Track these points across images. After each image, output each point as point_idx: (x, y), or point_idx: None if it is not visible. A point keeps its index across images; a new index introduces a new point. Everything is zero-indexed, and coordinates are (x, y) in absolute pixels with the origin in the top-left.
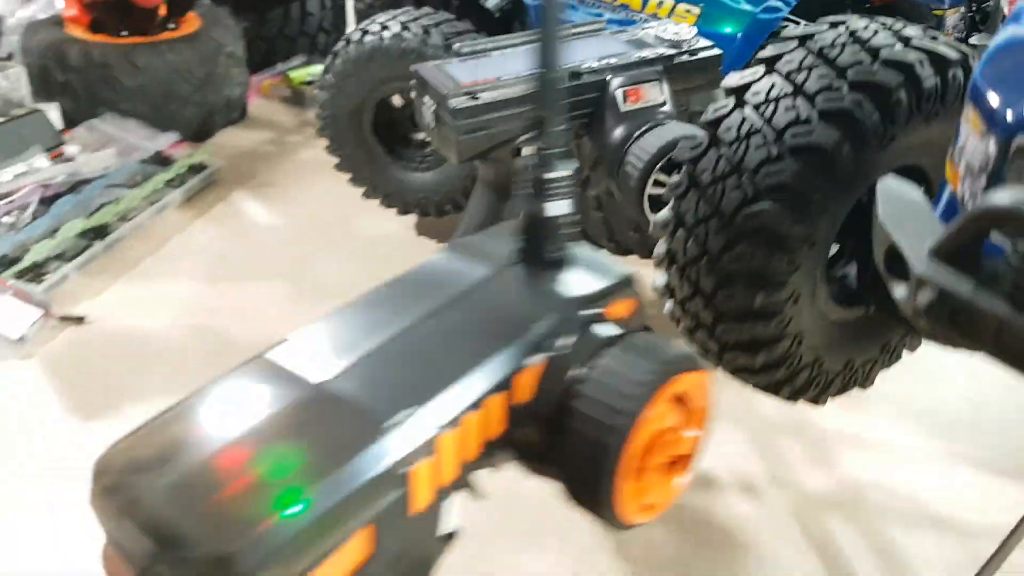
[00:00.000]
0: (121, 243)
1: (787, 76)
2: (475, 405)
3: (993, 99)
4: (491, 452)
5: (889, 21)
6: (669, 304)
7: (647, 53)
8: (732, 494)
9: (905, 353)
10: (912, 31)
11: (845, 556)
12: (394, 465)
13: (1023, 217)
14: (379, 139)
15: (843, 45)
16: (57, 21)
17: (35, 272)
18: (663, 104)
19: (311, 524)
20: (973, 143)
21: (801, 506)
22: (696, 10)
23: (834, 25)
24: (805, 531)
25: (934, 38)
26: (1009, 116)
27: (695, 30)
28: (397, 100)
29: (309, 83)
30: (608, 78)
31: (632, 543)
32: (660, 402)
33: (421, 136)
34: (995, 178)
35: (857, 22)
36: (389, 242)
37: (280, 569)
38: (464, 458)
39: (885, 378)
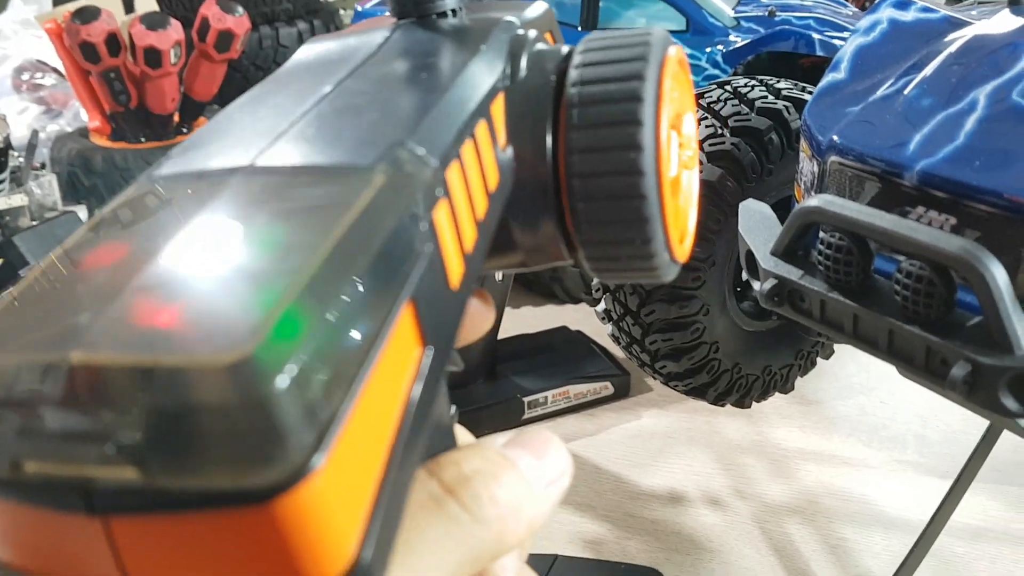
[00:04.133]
0: None
1: None
2: (466, 131)
3: (814, 130)
4: (495, 211)
5: (766, 78)
6: (609, 326)
7: None
8: (699, 506)
9: (860, 377)
10: (783, 84)
11: (802, 555)
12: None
13: (824, 212)
14: None
15: (726, 100)
16: (82, 132)
17: None
18: None
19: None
20: (806, 166)
21: (762, 514)
22: None
23: (721, 85)
24: (766, 535)
25: (803, 88)
26: (823, 143)
27: None
28: None
29: None
30: None
31: (609, 553)
32: (665, 77)
33: None
34: (819, 192)
35: (739, 81)
36: None
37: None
38: (475, 213)
39: (840, 400)
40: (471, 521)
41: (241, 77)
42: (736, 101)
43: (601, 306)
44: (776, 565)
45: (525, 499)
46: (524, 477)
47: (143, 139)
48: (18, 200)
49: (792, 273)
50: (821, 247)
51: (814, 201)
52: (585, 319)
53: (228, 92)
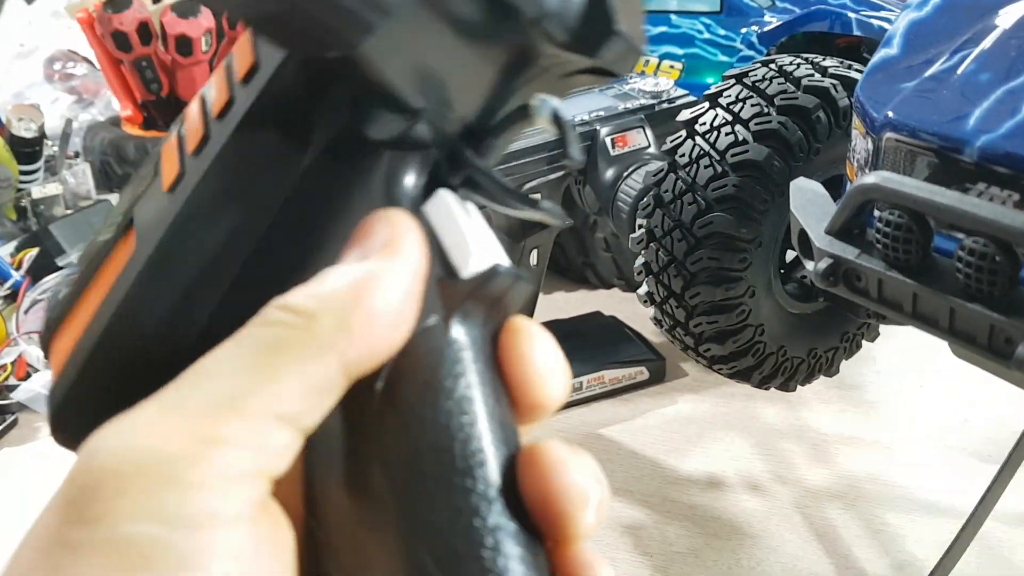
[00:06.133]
0: None
1: (727, 107)
2: None
3: (868, 107)
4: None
5: (812, 56)
6: (652, 309)
7: (631, 104)
8: (739, 492)
9: (899, 361)
10: (829, 62)
11: (844, 540)
12: None
13: (883, 189)
14: None
15: (771, 79)
16: (115, 121)
17: None
18: (648, 147)
19: None
20: (859, 144)
21: (802, 499)
22: (679, 65)
23: (765, 64)
24: (807, 520)
25: (849, 66)
26: (878, 120)
27: (672, 82)
28: None
29: None
30: (598, 128)
31: (649, 539)
32: None
33: None
34: (873, 169)
35: (784, 59)
36: None
37: None
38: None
39: (879, 384)
40: (263, 326)
41: None
42: (782, 79)
43: (643, 289)
44: (818, 551)
45: (334, 296)
46: (341, 272)
47: None
48: (53, 189)
49: (848, 252)
50: (879, 225)
51: (871, 178)
52: (618, 304)
53: None
